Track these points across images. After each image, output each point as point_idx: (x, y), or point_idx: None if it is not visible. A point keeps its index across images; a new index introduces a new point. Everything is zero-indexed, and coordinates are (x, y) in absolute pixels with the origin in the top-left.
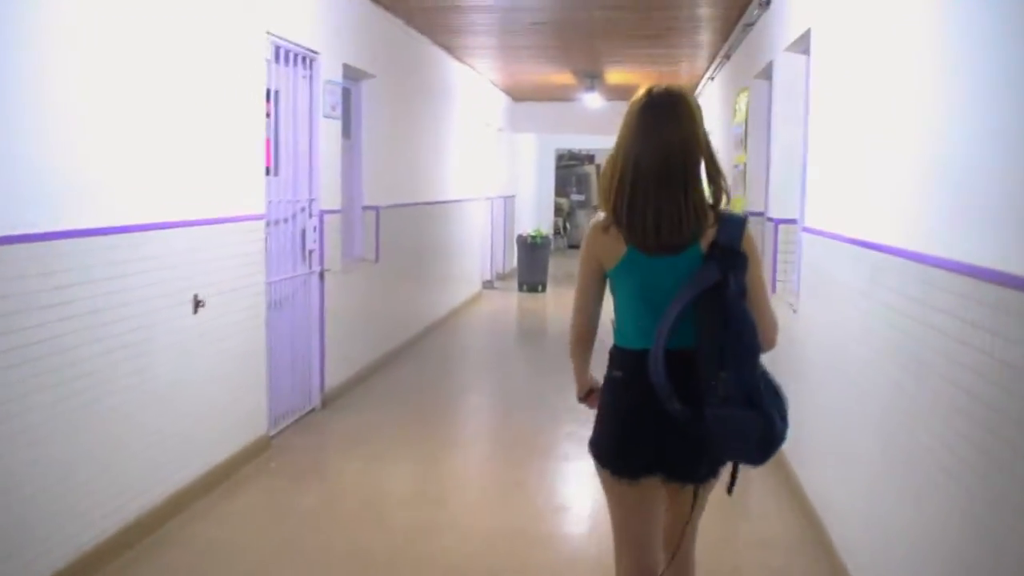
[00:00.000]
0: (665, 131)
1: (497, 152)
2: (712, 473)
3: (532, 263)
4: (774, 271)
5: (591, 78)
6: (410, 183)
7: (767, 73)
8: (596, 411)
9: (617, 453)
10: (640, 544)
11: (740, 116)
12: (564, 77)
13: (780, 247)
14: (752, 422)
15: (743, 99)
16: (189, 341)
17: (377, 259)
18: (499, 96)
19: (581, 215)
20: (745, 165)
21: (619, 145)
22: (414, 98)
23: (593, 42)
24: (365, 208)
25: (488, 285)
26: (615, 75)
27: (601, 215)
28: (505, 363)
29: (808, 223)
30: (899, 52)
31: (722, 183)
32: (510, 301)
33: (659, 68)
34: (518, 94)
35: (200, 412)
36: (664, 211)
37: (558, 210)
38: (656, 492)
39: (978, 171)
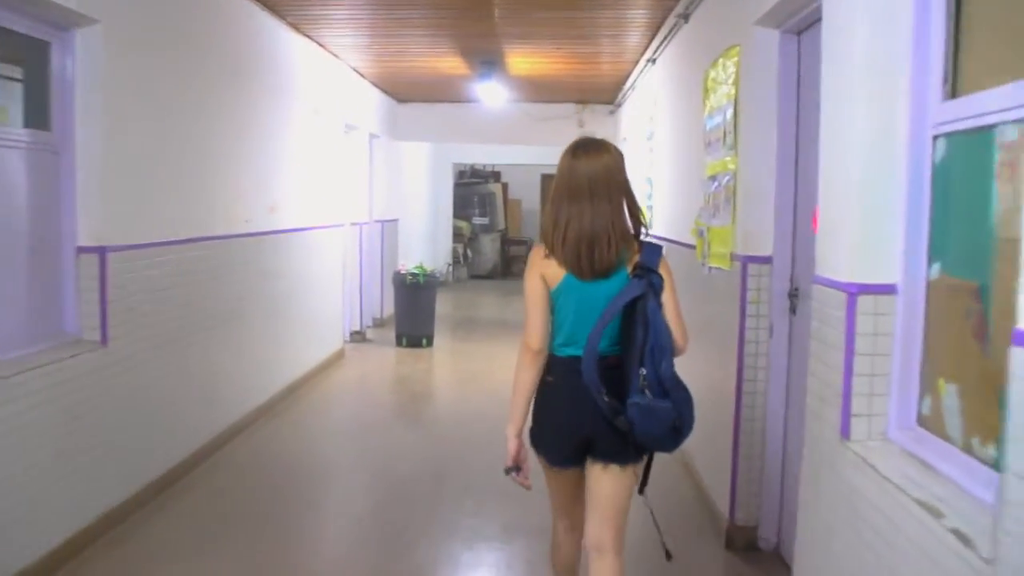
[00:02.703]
0: (591, 176)
1: (370, 165)
2: (637, 457)
3: (413, 309)
4: (846, 403)
5: (488, 64)
6: (192, 207)
7: (789, 9)
8: (531, 416)
9: (550, 446)
10: (567, 504)
11: (721, 97)
12: (453, 63)
13: (859, 346)
14: (666, 411)
15: (727, 68)
16: None
17: (105, 339)
18: (372, 94)
19: (485, 241)
20: (735, 176)
21: (554, 189)
22: (204, 75)
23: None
24: (82, 251)
25: (358, 337)
26: (519, 61)
27: (540, 245)
28: (349, 497)
29: None
30: None
31: (641, 218)
32: (382, 362)
33: (575, 49)
34: (400, 92)
35: None
36: (595, 244)
37: (457, 235)
38: (577, 474)
39: None
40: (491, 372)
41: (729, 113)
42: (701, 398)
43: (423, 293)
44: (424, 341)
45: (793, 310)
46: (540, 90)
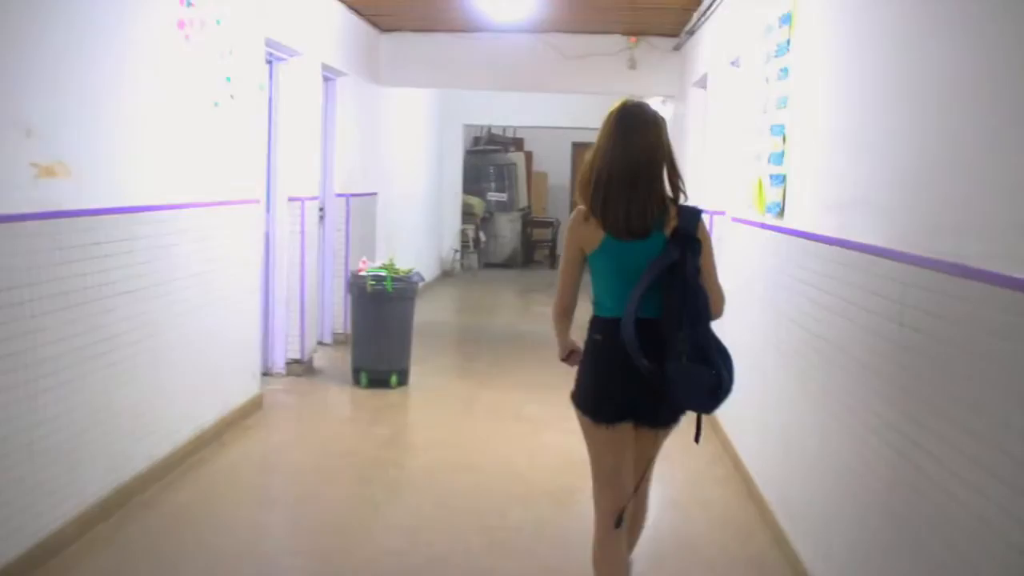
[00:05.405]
0: (634, 140)
1: (325, 114)
2: (672, 420)
3: (377, 331)
4: None
5: None
6: None
7: None
8: (577, 368)
9: (596, 403)
10: (613, 476)
11: None
12: None
13: None
14: (704, 375)
15: None
16: None
17: None
18: (332, 7)
19: (503, 222)
20: None
21: (596, 149)
22: None
23: None
24: None
25: (298, 369)
26: None
27: (581, 207)
28: None
29: None
30: None
31: (679, 184)
32: (319, 422)
33: None
34: (382, 12)
35: None
36: (633, 205)
37: (468, 215)
38: (627, 434)
39: None
40: (505, 448)
41: None
42: None
43: (393, 307)
44: (393, 379)
45: None
46: (575, 9)
